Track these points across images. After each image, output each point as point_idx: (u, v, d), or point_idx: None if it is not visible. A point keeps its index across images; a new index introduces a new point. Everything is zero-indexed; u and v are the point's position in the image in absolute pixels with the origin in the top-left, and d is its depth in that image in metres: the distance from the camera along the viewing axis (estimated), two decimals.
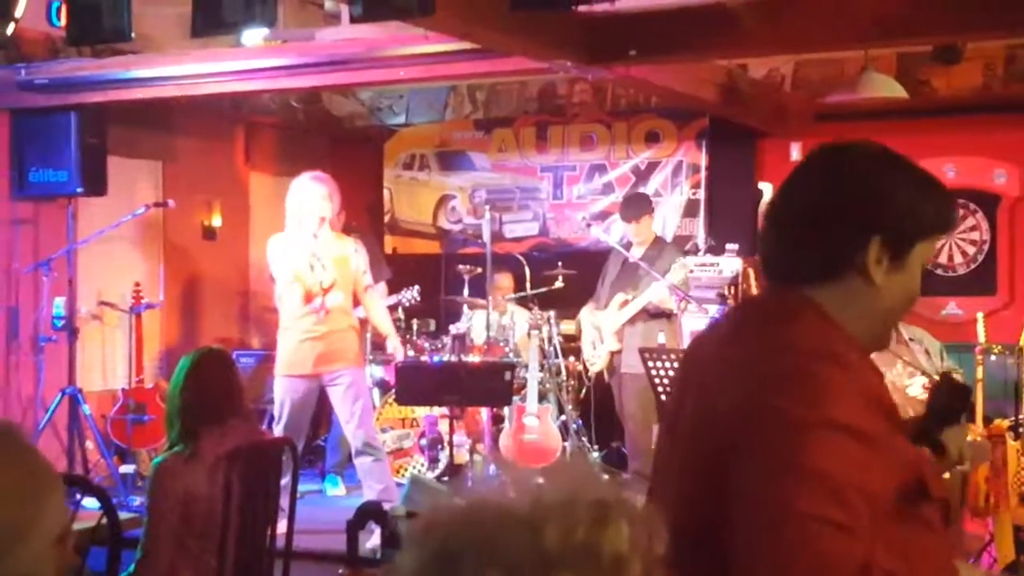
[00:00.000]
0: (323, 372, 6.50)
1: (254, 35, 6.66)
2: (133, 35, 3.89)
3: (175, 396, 4.02)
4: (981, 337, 6.06)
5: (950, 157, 8.32)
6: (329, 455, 8.01)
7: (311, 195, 6.46)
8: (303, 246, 6.41)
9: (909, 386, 5.73)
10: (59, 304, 7.62)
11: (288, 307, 6.56)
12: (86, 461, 7.53)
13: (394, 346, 7.11)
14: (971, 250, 8.33)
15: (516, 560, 0.94)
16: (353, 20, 3.75)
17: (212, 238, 9.01)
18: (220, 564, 3.76)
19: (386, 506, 3.72)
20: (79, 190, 7.57)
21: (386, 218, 10.17)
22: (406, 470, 7.85)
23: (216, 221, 9.05)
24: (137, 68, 7.23)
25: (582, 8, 5.36)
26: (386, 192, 10.17)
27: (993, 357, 6.21)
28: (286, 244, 6.50)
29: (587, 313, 7.42)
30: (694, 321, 7.81)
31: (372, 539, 5.21)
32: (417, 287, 8.21)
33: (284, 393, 6.52)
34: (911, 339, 6.00)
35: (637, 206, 7.39)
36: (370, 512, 3.22)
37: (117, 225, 7.78)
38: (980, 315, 6.26)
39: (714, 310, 8.06)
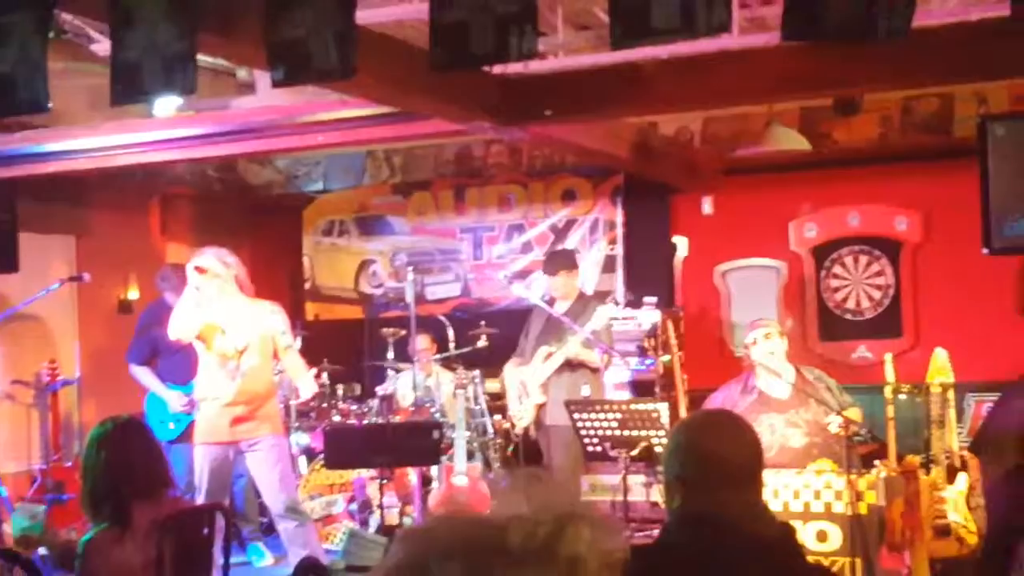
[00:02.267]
0: (241, 438, 6.35)
1: (166, 106, 6.68)
2: (50, 106, 3.90)
3: (96, 471, 3.89)
4: (890, 377, 6.22)
5: (853, 205, 8.58)
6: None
7: (195, 261, 6.34)
8: (204, 311, 6.31)
9: (829, 424, 5.86)
10: None
11: (203, 372, 6.48)
12: (3, 544, 7.35)
13: (304, 392, 6.92)
14: (877, 295, 8.57)
15: (480, 556, 1.01)
16: (275, 84, 3.79)
17: (129, 312, 8.91)
18: None
19: (325, 561, 3.71)
20: None
21: (307, 285, 10.17)
22: (335, 536, 7.79)
23: (132, 294, 8.97)
24: (48, 142, 7.19)
25: (497, 70, 5.48)
26: (306, 259, 10.18)
27: (902, 396, 6.39)
28: (184, 309, 6.38)
29: (511, 368, 7.47)
30: (617, 374, 7.93)
31: None
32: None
33: (203, 461, 6.39)
34: (814, 379, 6.16)
35: (559, 261, 7.50)
36: (310, 568, 3.22)
37: (30, 302, 7.68)
38: (888, 356, 6.43)
39: (635, 362, 8.20)
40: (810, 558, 1.84)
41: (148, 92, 3.82)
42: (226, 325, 6.32)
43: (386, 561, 1.08)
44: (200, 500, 6.28)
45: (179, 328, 6.40)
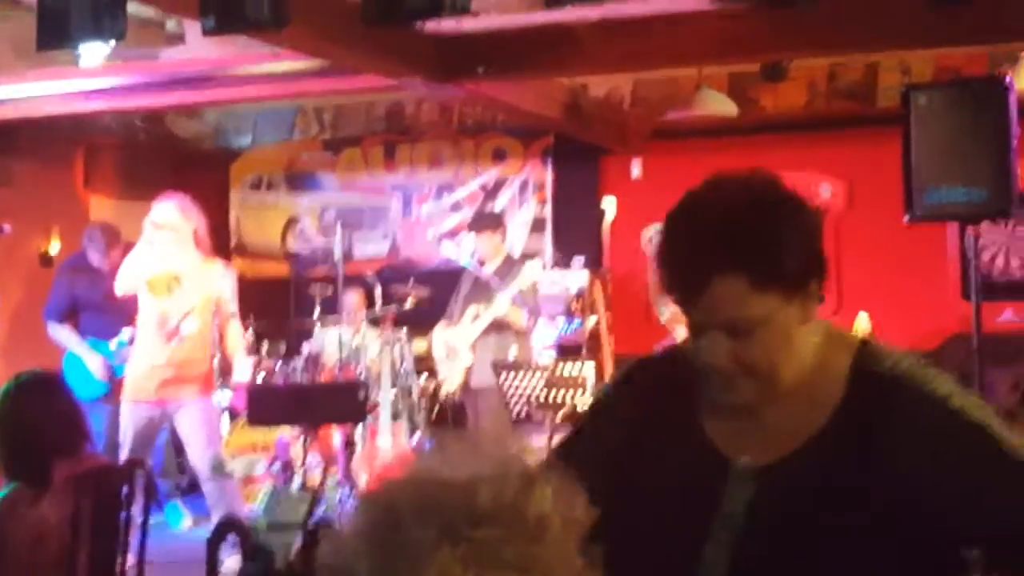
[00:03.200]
0: (169, 398, 6.25)
1: (94, 55, 6.55)
2: None
3: (10, 426, 3.77)
4: None
5: (779, 172, 8.65)
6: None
7: (154, 212, 6.23)
8: (159, 260, 6.18)
9: None
10: None
11: (141, 327, 6.35)
12: None
13: (239, 373, 6.94)
14: None
15: (451, 519, 1.03)
16: (206, 33, 3.74)
17: (50, 265, 8.74)
18: None
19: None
20: None
21: (233, 241, 10.06)
22: (257, 496, 7.77)
23: (54, 247, 8.81)
24: None
25: (431, 25, 5.46)
26: (232, 215, 10.08)
27: None
28: (137, 257, 6.26)
29: (440, 330, 7.49)
30: (544, 335, 7.98)
31: (230, 559, 5.13)
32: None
33: (128, 419, 6.30)
34: None
35: (486, 220, 7.56)
36: (230, 526, 3.20)
37: None
38: None
39: (562, 322, 8.25)
40: None
41: (75, 38, 3.76)
42: (175, 280, 6.21)
43: (353, 526, 1.09)
44: (121, 456, 6.20)
45: (127, 280, 6.26)
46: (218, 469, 6.38)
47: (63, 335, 7.35)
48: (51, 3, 3.64)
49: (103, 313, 7.29)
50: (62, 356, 7.46)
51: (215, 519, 6.33)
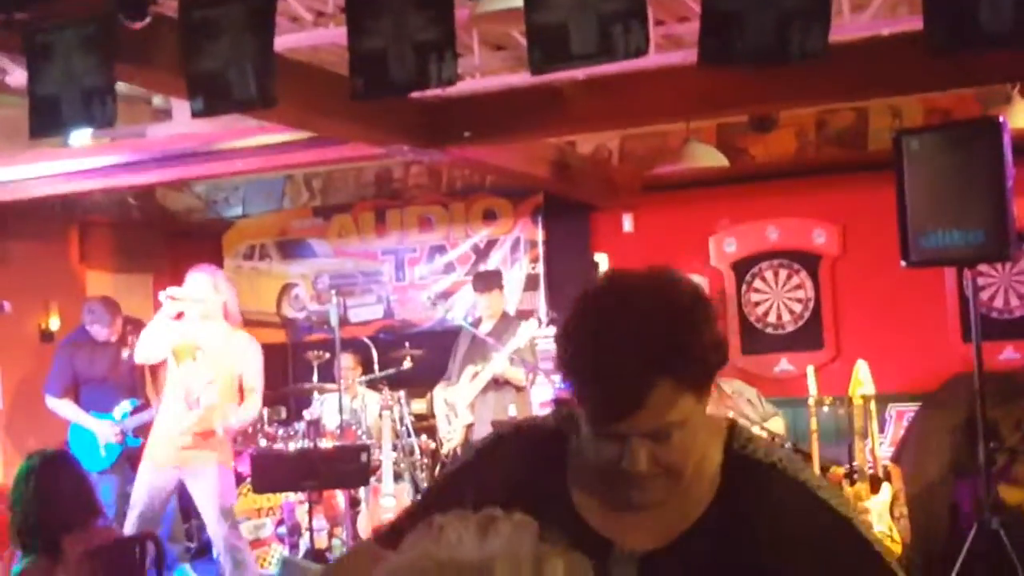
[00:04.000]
0: (188, 464, 6.33)
1: (82, 135, 6.60)
2: None
3: (25, 506, 3.90)
4: (812, 390, 6.34)
5: (771, 219, 8.72)
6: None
7: (197, 288, 6.35)
8: (183, 330, 6.34)
9: None
10: None
11: (167, 394, 6.50)
12: None
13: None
14: (797, 308, 8.70)
15: None
16: (195, 115, 3.78)
17: (50, 341, 8.78)
18: None
19: None
20: None
21: None
22: (265, 559, 7.76)
23: (54, 323, 8.85)
24: None
25: (415, 93, 5.51)
26: None
27: (825, 408, 6.50)
28: (159, 328, 6.37)
29: (439, 391, 7.51)
30: (542, 392, 7.98)
31: None
32: None
33: (146, 481, 6.35)
34: (733, 392, 6.24)
35: (489, 279, 7.59)
36: None
37: None
38: (810, 369, 6.55)
39: (559, 380, 8.25)
40: None
41: (67, 125, 3.80)
42: (199, 351, 6.27)
43: None
44: (132, 517, 6.21)
45: (147, 349, 6.37)
46: (234, 538, 6.39)
47: (64, 408, 7.39)
48: (42, 93, 3.69)
49: (103, 386, 7.36)
50: (64, 430, 7.48)
51: None
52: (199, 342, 6.32)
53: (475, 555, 1.11)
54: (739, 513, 1.74)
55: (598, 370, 1.67)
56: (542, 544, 1.14)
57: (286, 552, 7.62)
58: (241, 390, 6.50)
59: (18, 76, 6.15)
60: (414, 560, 1.13)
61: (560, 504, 1.79)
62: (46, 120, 3.76)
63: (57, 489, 3.94)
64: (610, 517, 1.79)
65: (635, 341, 1.65)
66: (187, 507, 7.23)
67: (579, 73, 5.70)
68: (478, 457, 1.96)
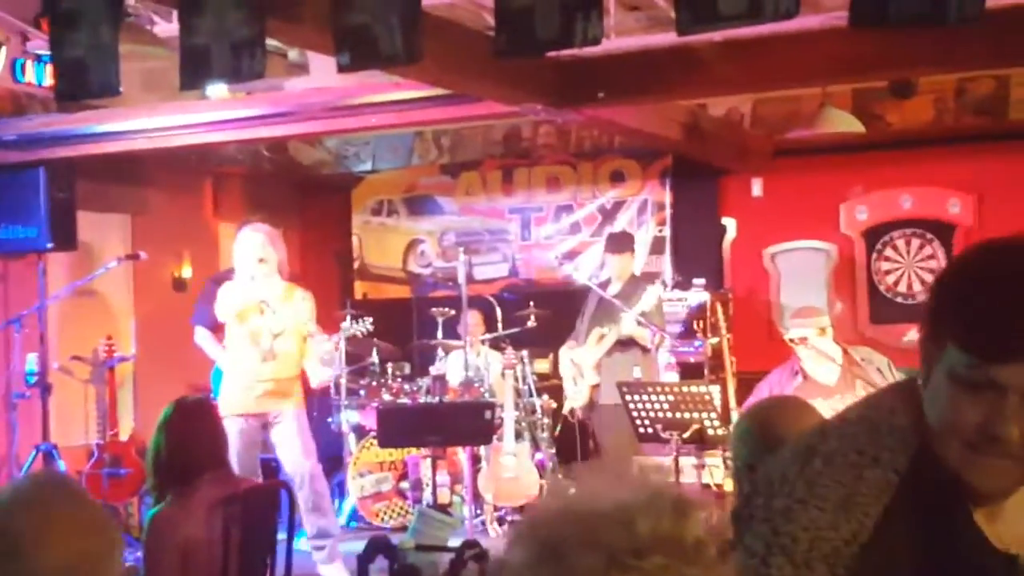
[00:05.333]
0: (268, 411, 6.64)
1: (219, 88, 6.74)
2: (121, 89, 3.96)
3: (163, 447, 4.01)
4: None
5: (905, 188, 8.54)
6: None
7: (249, 243, 6.70)
8: (249, 290, 6.62)
9: None
10: (31, 360, 7.59)
11: (234, 351, 6.74)
12: None
13: (315, 378, 7.28)
14: (929, 278, 8.51)
15: (614, 549, 1.08)
16: (341, 70, 3.82)
17: (183, 289, 9.03)
18: None
19: (394, 540, 3.79)
20: (49, 246, 7.55)
21: (356, 264, 10.24)
22: (385, 513, 7.90)
23: (186, 272, 9.08)
24: (106, 122, 7.27)
25: (550, 53, 5.50)
26: (355, 239, 10.26)
27: None
28: (232, 289, 6.73)
29: (566, 351, 7.54)
30: (667, 355, 7.96)
31: None
32: (370, 319, 8.12)
33: (231, 435, 6.54)
34: (862, 359, 6.12)
35: (622, 241, 7.59)
36: (379, 546, 3.29)
37: (89, 280, 7.80)
38: None
39: (683, 344, 8.21)
40: None
41: (216, 76, 3.87)
42: (267, 306, 6.51)
43: (517, 558, 1.13)
44: None
45: (227, 308, 6.66)
46: (314, 480, 6.65)
47: (208, 344, 7.50)
48: (192, 44, 3.76)
49: None
50: (195, 373, 7.66)
51: (307, 528, 6.63)
52: (266, 298, 6.58)
53: (615, 504, 1.13)
54: None
55: (992, 305, 1.47)
56: (682, 493, 1.15)
57: (410, 506, 7.75)
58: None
59: (165, 28, 6.32)
60: (567, 504, 1.15)
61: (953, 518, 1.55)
62: (195, 71, 3.83)
63: (195, 434, 4.03)
64: (986, 520, 1.55)
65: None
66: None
67: (717, 35, 5.62)
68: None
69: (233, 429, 6.50)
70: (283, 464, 6.82)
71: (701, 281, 8.26)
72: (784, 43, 5.75)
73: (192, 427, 4.01)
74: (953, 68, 6.39)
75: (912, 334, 8.45)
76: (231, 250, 9.38)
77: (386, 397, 7.96)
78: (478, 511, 7.34)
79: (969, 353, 1.47)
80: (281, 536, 4.41)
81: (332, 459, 7.91)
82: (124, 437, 7.84)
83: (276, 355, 6.62)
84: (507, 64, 5.45)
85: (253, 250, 6.65)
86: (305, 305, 6.79)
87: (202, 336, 7.53)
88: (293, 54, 7.74)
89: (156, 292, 8.88)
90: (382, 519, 7.91)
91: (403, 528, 6.96)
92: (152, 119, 7.19)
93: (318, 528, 6.62)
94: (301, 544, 7.63)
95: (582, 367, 7.27)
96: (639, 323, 7.00)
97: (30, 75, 7.09)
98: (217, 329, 7.51)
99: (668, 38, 5.80)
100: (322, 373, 7.35)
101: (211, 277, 7.97)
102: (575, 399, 7.38)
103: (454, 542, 4.05)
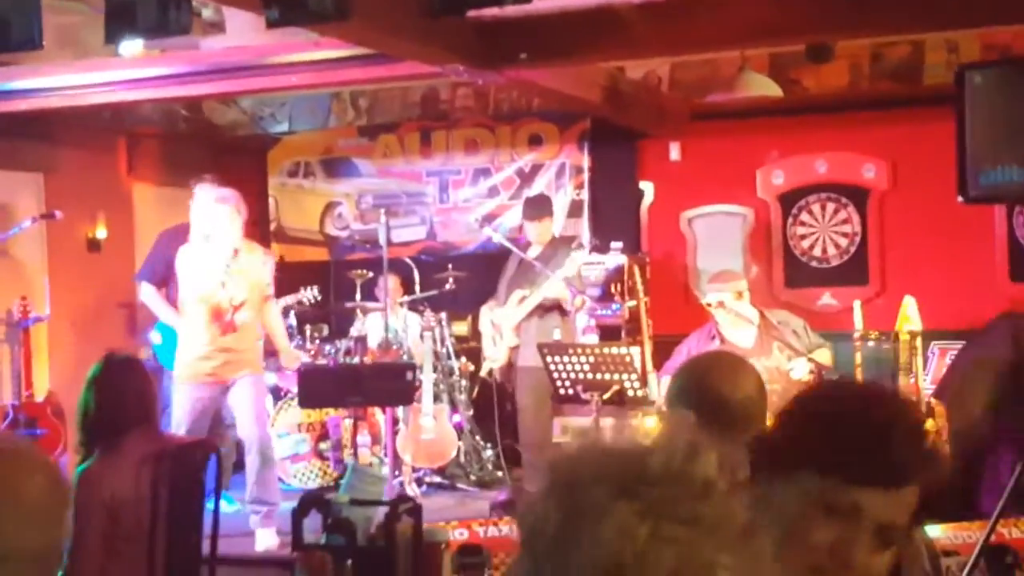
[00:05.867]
0: (227, 376, 6.59)
1: (133, 45, 6.62)
2: (44, 44, 3.88)
3: (91, 403, 4.00)
4: (858, 324, 6.34)
5: (821, 153, 8.68)
6: None
7: (221, 219, 6.58)
8: (216, 265, 6.51)
9: (792, 369, 5.98)
10: None
11: (192, 321, 6.63)
12: None
13: (286, 361, 7.21)
14: (843, 242, 8.68)
15: (626, 480, 1.15)
16: (269, 25, 3.79)
17: (97, 250, 8.89)
18: (150, 565, 3.78)
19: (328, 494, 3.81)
20: None
21: (272, 226, 10.15)
22: (304, 474, 7.90)
23: (100, 232, 8.93)
24: (17, 79, 7.10)
25: (472, 12, 5.49)
26: (271, 200, 10.17)
27: (870, 343, 6.51)
28: (196, 257, 6.60)
29: (487, 311, 7.57)
30: (585, 318, 8.03)
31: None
32: (316, 286, 8.19)
33: (185, 399, 6.52)
34: (779, 322, 6.24)
35: (540, 207, 7.61)
36: (313, 500, 3.32)
37: (2, 239, 7.64)
38: (857, 303, 6.56)
39: (601, 307, 8.29)
40: None
41: (142, 31, 3.82)
42: (229, 279, 6.46)
43: (540, 488, 1.21)
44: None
45: (189, 290, 6.61)
46: (263, 447, 6.65)
47: (153, 301, 7.38)
48: None
49: None
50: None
51: (254, 491, 6.62)
52: (231, 267, 6.52)
53: (628, 444, 1.20)
54: None
55: (880, 436, 1.57)
56: (698, 435, 1.21)
57: (331, 466, 7.77)
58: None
59: None
60: (589, 443, 1.23)
61: None
62: (121, 25, 3.77)
63: (123, 391, 4.02)
64: None
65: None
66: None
67: None
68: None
69: (186, 396, 6.53)
70: (236, 427, 6.84)
71: (619, 245, 8.34)
72: (704, 6, 5.80)
73: (121, 383, 4.00)
74: (870, 32, 6.49)
75: (826, 297, 8.64)
76: (146, 210, 9.32)
77: (304, 359, 7.94)
78: (397, 472, 7.38)
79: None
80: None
81: None
82: (39, 398, 7.72)
83: (237, 327, 6.57)
84: (430, 24, 5.44)
85: (224, 227, 6.56)
86: (266, 269, 6.78)
87: (147, 293, 7.44)
88: (207, 12, 7.61)
89: (70, 253, 8.71)
90: (300, 480, 7.90)
91: (324, 489, 6.98)
92: (65, 76, 7.04)
93: (257, 496, 6.61)
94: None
95: (502, 328, 7.31)
96: (565, 286, 7.06)
97: None
98: (162, 285, 7.44)
99: (590, 0, 5.85)
100: (294, 358, 7.30)
101: (165, 232, 7.82)
102: (494, 360, 7.42)
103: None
